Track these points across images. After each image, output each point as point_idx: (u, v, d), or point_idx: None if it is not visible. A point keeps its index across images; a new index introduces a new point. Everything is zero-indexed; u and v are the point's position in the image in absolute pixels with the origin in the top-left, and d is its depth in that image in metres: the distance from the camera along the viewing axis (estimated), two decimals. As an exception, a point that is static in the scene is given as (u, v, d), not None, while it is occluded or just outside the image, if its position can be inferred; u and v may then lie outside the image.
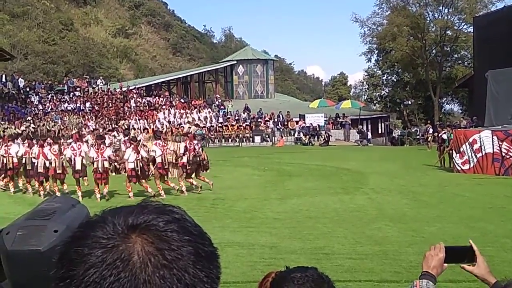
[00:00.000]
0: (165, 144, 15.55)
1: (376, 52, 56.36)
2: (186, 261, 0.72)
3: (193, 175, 15.78)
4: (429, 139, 31.88)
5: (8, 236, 1.15)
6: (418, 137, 38.95)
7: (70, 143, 16.88)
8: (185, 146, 15.55)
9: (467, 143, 19.16)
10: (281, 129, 39.10)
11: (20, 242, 1.14)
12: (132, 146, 15.37)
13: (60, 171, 15.26)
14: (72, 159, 15.15)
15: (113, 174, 19.77)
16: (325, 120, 39.56)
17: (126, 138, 20.57)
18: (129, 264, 0.69)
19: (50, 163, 15.15)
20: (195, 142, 16.66)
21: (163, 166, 14.98)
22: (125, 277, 0.68)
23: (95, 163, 14.53)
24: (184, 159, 15.43)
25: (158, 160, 14.95)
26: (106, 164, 14.80)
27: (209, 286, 0.74)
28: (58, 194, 14.52)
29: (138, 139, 18.90)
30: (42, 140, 16.41)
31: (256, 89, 52.50)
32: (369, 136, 39.89)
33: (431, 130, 34.09)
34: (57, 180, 15.46)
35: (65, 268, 0.72)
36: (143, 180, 15.49)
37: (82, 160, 15.17)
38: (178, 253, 0.72)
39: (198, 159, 15.81)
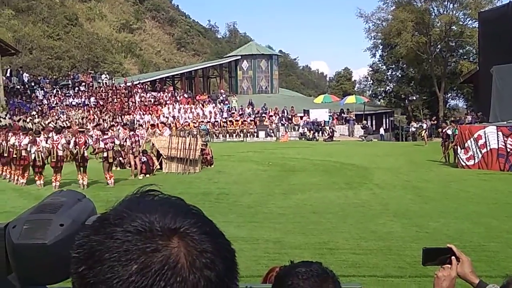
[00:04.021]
0: (57, 140, 15.96)
1: (381, 47, 56.23)
2: (222, 262, 0.73)
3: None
4: (422, 135, 32.67)
5: (14, 230, 1.16)
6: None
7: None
8: (74, 141, 15.85)
9: (472, 139, 19.11)
10: (285, 124, 39.09)
11: (26, 235, 1.15)
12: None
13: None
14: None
15: (118, 168, 19.87)
16: (329, 116, 39.52)
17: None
18: (176, 267, 0.69)
19: None
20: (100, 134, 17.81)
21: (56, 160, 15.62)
22: (175, 282, 0.68)
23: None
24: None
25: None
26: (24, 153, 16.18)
27: (237, 285, 0.76)
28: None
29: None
30: None
31: (261, 84, 52.41)
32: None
33: (424, 126, 34.77)
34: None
35: (97, 270, 0.70)
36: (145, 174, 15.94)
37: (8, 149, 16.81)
38: (215, 254, 0.72)
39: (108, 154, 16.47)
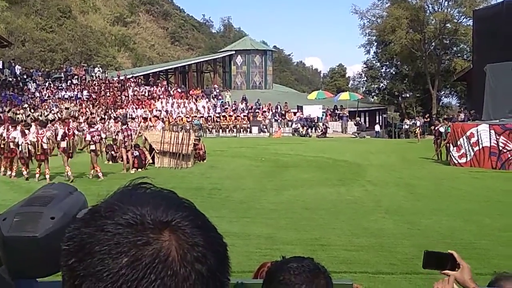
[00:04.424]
0: (42, 133, 15.96)
1: (375, 44, 56.32)
2: (213, 256, 0.72)
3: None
4: (416, 132, 32.99)
5: (4, 222, 1.15)
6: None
7: None
8: (64, 132, 15.93)
9: (464, 137, 19.19)
10: (278, 120, 39.09)
11: (17, 228, 1.14)
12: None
13: None
14: None
15: (110, 162, 19.83)
16: (323, 112, 39.56)
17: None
18: (167, 261, 0.68)
19: None
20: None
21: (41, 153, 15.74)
22: (165, 276, 0.68)
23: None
24: (64, 144, 15.85)
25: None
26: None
27: (229, 279, 0.76)
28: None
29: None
30: None
31: (254, 79, 52.37)
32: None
33: (417, 123, 35.13)
34: None
35: (87, 262, 0.69)
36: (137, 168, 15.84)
37: None
38: (206, 248, 0.72)
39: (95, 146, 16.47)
